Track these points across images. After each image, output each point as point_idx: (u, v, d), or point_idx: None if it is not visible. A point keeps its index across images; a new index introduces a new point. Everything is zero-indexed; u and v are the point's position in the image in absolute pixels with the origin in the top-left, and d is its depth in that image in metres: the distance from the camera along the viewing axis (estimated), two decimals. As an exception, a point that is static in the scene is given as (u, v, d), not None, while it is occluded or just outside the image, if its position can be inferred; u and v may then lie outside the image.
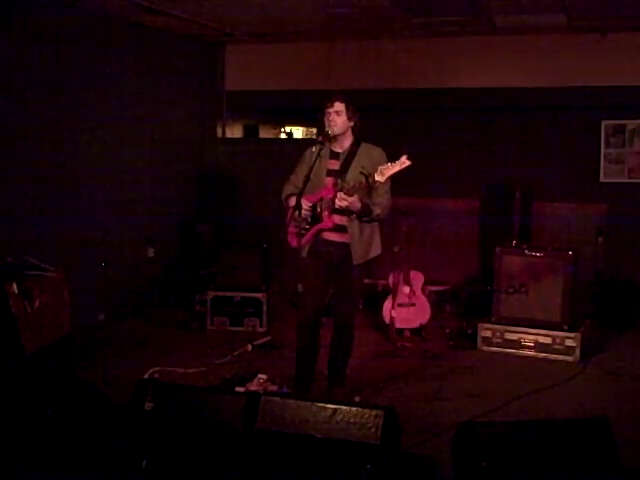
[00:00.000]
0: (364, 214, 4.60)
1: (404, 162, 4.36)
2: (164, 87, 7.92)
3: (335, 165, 4.72)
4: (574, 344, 6.05)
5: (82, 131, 6.72)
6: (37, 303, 5.03)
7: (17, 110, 6.03)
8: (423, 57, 8.05)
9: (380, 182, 4.42)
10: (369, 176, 4.45)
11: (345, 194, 4.46)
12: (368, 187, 4.51)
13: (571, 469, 3.07)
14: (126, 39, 7.26)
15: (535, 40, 7.65)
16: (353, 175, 4.60)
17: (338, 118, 4.63)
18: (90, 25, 6.75)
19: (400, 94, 8.21)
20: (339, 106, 4.63)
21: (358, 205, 4.53)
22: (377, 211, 4.63)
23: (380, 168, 4.39)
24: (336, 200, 4.49)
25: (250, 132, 10.49)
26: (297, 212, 4.61)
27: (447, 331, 6.74)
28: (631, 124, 7.71)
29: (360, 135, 4.78)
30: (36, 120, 6.19)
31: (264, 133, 11.08)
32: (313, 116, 8.98)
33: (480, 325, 6.40)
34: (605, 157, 7.80)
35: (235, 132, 9.81)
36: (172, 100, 8.09)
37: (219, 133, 9.06)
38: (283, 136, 11.35)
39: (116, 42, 7.11)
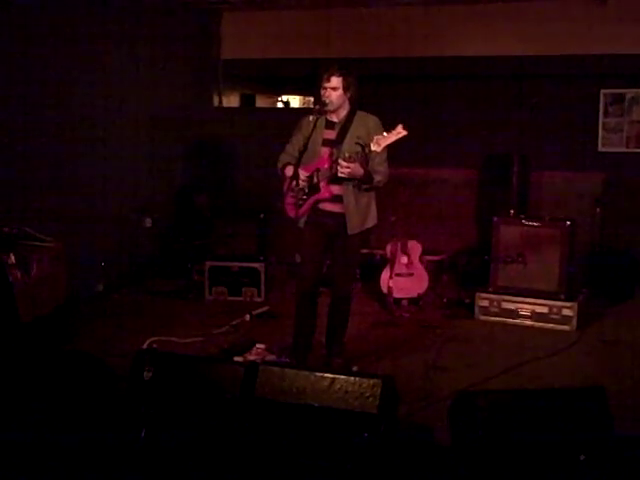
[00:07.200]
0: (366, 180, 4.58)
1: (400, 132, 4.35)
2: (160, 55, 7.82)
3: (331, 135, 4.69)
4: (571, 313, 6.08)
5: (78, 100, 6.65)
6: (34, 273, 5.03)
7: (14, 82, 5.95)
8: (421, 25, 7.97)
9: (377, 152, 4.42)
10: (365, 146, 4.44)
11: (346, 161, 4.45)
12: (365, 157, 4.50)
13: (567, 438, 3.09)
14: (122, 6, 7.15)
15: (534, 8, 7.58)
16: (349, 145, 4.58)
17: (334, 93, 4.59)
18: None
19: (398, 62, 8.15)
20: (335, 81, 4.58)
21: (361, 171, 4.52)
22: (378, 178, 4.63)
23: (376, 138, 4.38)
24: (338, 168, 4.47)
25: (247, 101, 10.42)
26: (294, 182, 4.61)
27: (444, 301, 6.76)
28: (630, 93, 7.65)
29: (357, 103, 4.75)
30: (32, 90, 6.12)
31: (261, 102, 11.00)
32: (310, 85, 8.94)
33: (477, 295, 6.41)
34: (603, 126, 7.74)
35: (232, 101, 9.73)
36: (168, 69, 8.00)
37: (215, 102, 8.99)
38: (280, 105, 11.27)
39: (112, 9, 7.00)
